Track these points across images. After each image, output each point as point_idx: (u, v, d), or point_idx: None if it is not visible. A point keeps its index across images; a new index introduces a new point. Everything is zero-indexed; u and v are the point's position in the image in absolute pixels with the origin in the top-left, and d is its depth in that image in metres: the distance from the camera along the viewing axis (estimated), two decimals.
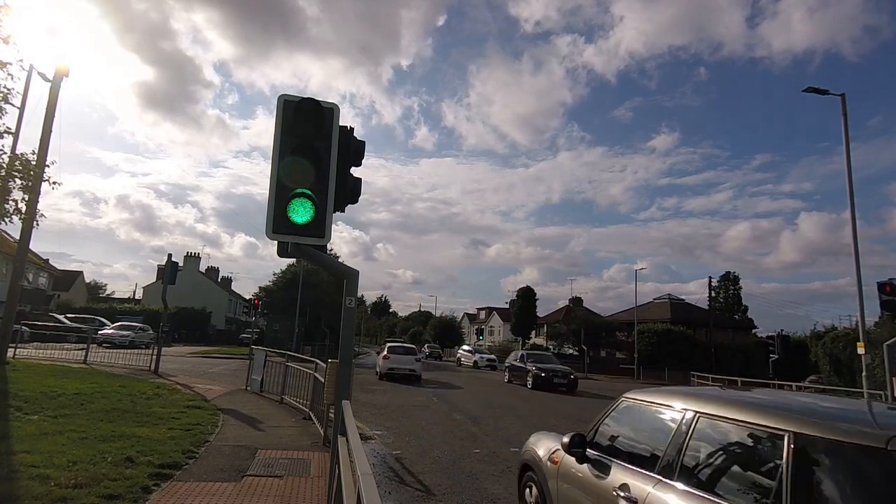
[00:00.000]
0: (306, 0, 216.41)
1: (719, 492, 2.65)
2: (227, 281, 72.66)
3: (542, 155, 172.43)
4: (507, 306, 75.33)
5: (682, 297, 58.59)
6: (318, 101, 4.24)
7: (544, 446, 4.64)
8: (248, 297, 58.04)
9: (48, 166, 14.14)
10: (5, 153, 12.68)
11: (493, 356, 45.27)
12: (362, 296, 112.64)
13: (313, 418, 9.93)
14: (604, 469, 3.59)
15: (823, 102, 16.84)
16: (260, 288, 47.64)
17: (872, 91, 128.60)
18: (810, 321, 66.87)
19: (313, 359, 11.78)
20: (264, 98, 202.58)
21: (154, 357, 17.38)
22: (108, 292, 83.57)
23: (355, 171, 4.68)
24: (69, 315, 38.20)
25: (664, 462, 3.11)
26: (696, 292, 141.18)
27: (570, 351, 51.54)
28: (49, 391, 10.68)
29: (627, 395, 3.98)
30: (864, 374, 14.95)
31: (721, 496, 2.60)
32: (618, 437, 3.81)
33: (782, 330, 30.08)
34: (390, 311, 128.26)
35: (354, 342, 5.42)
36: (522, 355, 26.69)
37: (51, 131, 15.95)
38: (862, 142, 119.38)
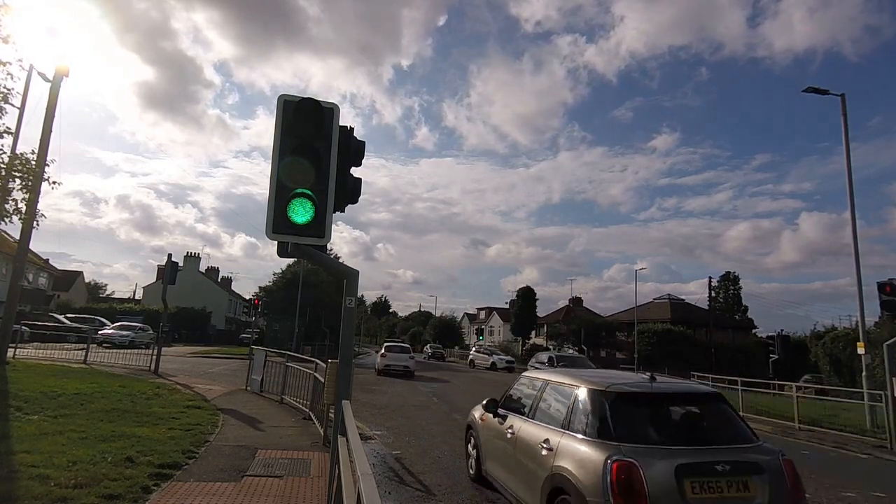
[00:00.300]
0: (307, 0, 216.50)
1: (547, 419, 5.11)
2: (227, 281, 72.69)
3: (542, 155, 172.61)
4: (507, 306, 75.34)
5: (682, 297, 58.71)
6: (317, 101, 4.24)
7: (478, 412, 6.96)
8: (248, 297, 58.09)
9: (48, 166, 14.16)
10: (5, 153, 12.68)
11: (511, 358, 43.33)
12: (362, 296, 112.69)
13: (313, 418, 9.93)
14: (504, 419, 5.98)
15: (824, 102, 16.78)
16: (260, 288, 47.70)
17: (873, 91, 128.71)
18: (810, 321, 67.08)
19: (313, 359, 11.78)
20: (265, 98, 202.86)
21: (154, 357, 17.38)
22: (108, 292, 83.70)
23: (355, 171, 4.68)
24: (69, 315, 38.19)
25: (530, 410, 5.55)
26: (696, 292, 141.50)
27: (570, 351, 51.59)
28: (49, 391, 10.68)
29: (522, 374, 6.73)
30: (864, 374, 14.95)
31: (549, 421, 5.04)
32: (513, 399, 6.21)
33: (782, 330, 30.07)
34: (390, 311, 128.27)
35: (354, 342, 5.42)
36: (552, 358, 23.05)
37: (51, 131, 15.95)
38: (862, 142, 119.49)
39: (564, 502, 4.25)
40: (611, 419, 4.32)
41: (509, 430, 5.64)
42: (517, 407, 5.91)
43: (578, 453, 4.29)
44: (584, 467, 4.14)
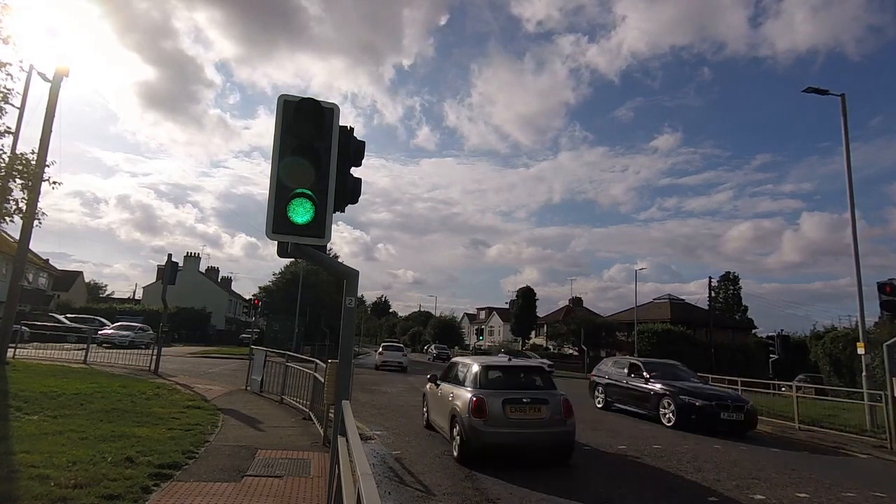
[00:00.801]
0: None
1: (455, 382, 9.22)
2: (227, 281, 72.70)
3: (543, 155, 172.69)
4: (507, 306, 75.34)
5: (683, 297, 58.68)
6: (317, 102, 4.24)
7: (428, 385, 10.73)
8: (248, 297, 58.01)
9: (48, 166, 14.16)
10: (5, 153, 12.68)
11: (550, 362, 38.66)
12: (362, 296, 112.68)
13: (313, 418, 9.93)
14: (442, 387, 9.69)
15: (825, 102, 16.71)
16: (260, 288, 47.70)
17: (875, 91, 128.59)
18: (811, 321, 67.13)
19: (313, 359, 11.77)
20: (266, 98, 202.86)
21: (154, 357, 17.38)
22: (108, 292, 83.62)
23: (355, 172, 4.68)
24: (69, 315, 38.18)
25: (450, 378, 9.63)
26: (696, 292, 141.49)
27: (570, 351, 51.57)
28: (49, 391, 10.68)
29: (454, 359, 10.51)
30: (864, 374, 14.94)
31: (456, 383, 9.13)
32: (445, 374, 10.01)
33: (782, 330, 30.08)
34: (390, 311, 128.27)
35: (354, 342, 5.41)
36: (634, 365, 15.47)
37: (51, 131, 15.95)
38: (863, 141, 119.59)
39: (455, 421, 8.24)
40: (479, 379, 8.43)
41: (439, 391, 9.74)
42: (445, 377, 9.87)
43: (463, 396, 8.32)
44: (462, 401, 8.20)
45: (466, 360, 9.61)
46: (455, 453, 8.05)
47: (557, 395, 8.27)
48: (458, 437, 7.99)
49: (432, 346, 58.76)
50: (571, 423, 8.11)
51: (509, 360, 9.61)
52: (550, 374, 9.18)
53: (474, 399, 7.81)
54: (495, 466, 7.54)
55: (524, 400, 7.98)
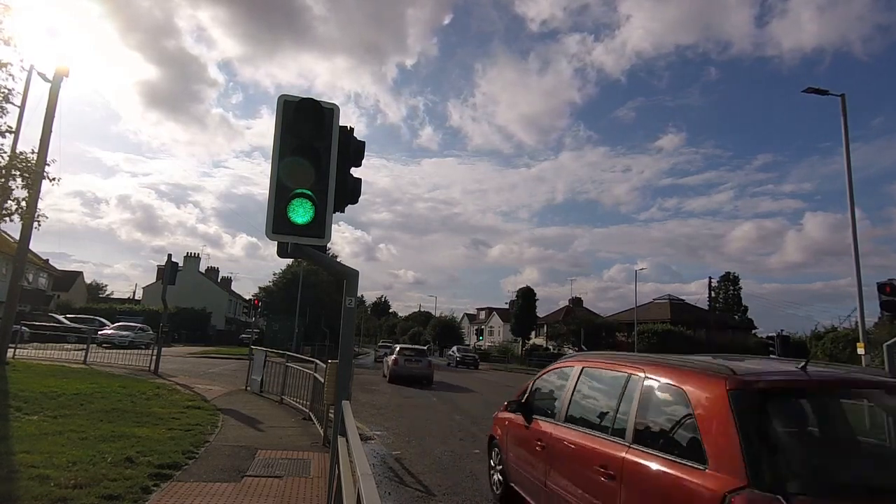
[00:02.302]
0: None
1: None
2: (227, 281, 72.76)
3: (545, 155, 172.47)
4: (507, 307, 75.33)
5: (683, 297, 58.72)
6: (317, 102, 4.24)
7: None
8: (248, 297, 58.05)
9: (48, 165, 14.15)
10: (5, 153, 12.68)
11: None
12: (362, 296, 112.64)
13: (313, 418, 9.92)
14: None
15: (827, 102, 16.78)
16: (260, 288, 47.75)
17: (880, 90, 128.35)
18: (812, 322, 67.20)
19: (313, 359, 11.77)
20: (269, 98, 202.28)
21: (154, 357, 17.37)
22: (108, 293, 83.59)
23: (355, 172, 4.68)
24: (69, 315, 38.18)
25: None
26: (696, 293, 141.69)
27: (571, 351, 51.60)
28: (49, 391, 10.67)
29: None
30: None
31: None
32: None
33: (782, 330, 30.01)
34: (390, 311, 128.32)
35: (354, 342, 5.41)
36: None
37: (51, 131, 15.95)
38: (864, 142, 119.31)
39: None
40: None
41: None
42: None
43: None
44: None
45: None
46: None
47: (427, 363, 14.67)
48: None
49: (455, 349, 48.93)
50: None
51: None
52: None
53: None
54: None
55: (413, 358, 8.96)
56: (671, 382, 3.47)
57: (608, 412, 4.02)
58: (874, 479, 2.97)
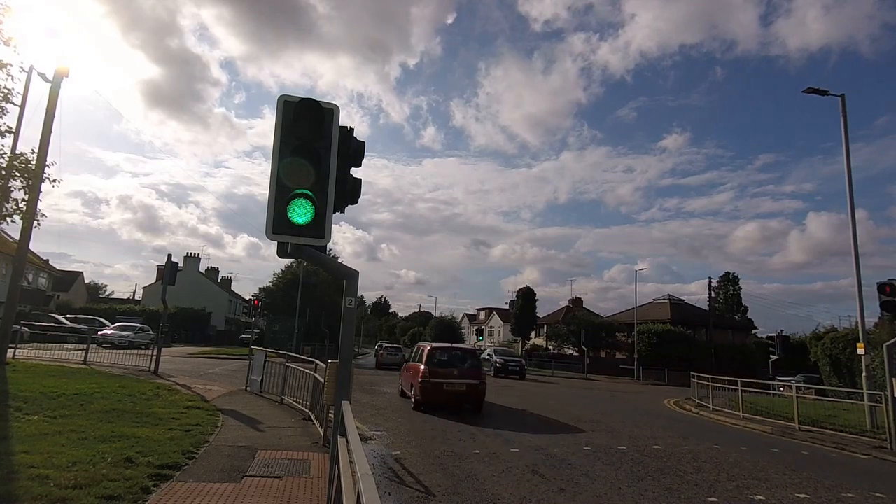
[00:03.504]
0: None
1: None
2: (227, 281, 72.79)
3: (547, 155, 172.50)
4: (506, 307, 75.29)
5: (683, 297, 58.79)
6: (318, 102, 4.24)
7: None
8: (249, 297, 58.02)
9: (48, 166, 14.14)
10: (5, 153, 12.67)
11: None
12: (362, 296, 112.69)
13: (313, 419, 9.92)
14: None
15: (829, 102, 16.81)
16: (260, 288, 47.82)
17: (886, 90, 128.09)
18: (812, 322, 67.19)
19: (313, 359, 11.77)
20: (272, 97, 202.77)
21: (154, 357, 17.38)
22: (108, 293, 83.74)
23: (356, 172, 4.69)
24: (69, 316, 38.17)
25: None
26: (696, 293, 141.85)
27: (571, 352, 51.54)
28: (49, 391, 10.68)
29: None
30: (863, 374, 14.95)
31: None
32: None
33: (782, 330, 30.04)
34: (390, 311, 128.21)
35: (354, 343, 5.41)
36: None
37: (51, 132, 15.95)
38: (868, 141, 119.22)
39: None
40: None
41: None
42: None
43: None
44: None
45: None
46: None
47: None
48: None
49: (491, 351, 36.63)
50: None
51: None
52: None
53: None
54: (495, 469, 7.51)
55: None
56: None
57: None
58: None
